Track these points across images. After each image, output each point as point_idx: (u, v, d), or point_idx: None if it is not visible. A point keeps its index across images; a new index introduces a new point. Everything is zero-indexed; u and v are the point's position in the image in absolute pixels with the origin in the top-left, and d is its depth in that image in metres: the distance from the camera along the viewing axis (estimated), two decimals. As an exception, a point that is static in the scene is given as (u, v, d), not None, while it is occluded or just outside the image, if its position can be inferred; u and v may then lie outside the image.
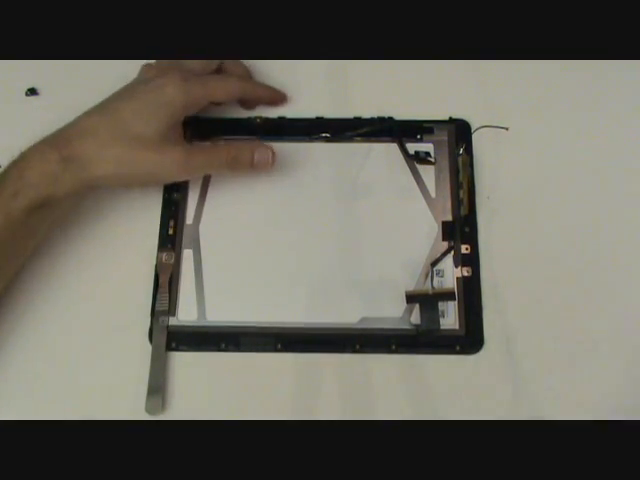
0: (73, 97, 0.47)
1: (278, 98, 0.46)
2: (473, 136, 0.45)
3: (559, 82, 0.47)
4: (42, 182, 0.36)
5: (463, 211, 0.43)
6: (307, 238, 0.43)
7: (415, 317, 0.41)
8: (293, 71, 0.47)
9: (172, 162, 0.39)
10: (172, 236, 0.43)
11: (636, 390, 0.39)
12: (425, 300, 0.40)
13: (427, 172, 0.44)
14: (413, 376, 0.40)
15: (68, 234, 0.44)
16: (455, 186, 0.43)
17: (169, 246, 0.43)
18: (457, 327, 0.41)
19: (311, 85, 0.47)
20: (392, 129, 0.45)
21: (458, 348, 0.40)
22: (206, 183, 0.44)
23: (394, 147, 0.45)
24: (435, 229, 0.43)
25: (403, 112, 0.46)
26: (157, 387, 0.39)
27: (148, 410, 0.39)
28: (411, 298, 0.40)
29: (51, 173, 0.37)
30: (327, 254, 0.42)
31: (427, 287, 0.41)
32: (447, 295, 0.40)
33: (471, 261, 0.42)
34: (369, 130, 0.44)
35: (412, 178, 0.44)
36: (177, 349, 0.41)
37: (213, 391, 0.40)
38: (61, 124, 0.46)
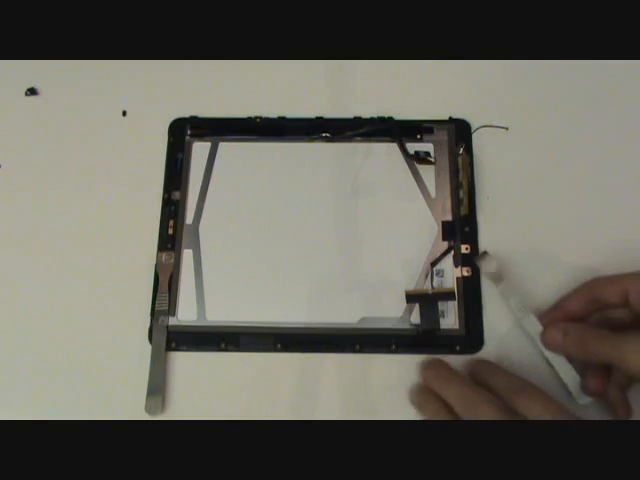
0: (73, 97, 0.47)
1: None
2: (473, 136, 0.45)
3: (559, 82, 0.47)
4: None
5: (463, 211, 0.43)
6: (307, 238, 0.43)
7: (415, 317, 0.41)
8: (293, 71, 0.47)
9: None
10: (172, 236, 0.43)
11: (636, 390, 0.39)
12: (425, 300, 0.40)
13: (427, 172, 0.44)
14: (413, 376, 0.40)
15: (68, 234, 0.44)
16: (455, 186, 0.43)
17: (169, 246, 0.43)
18: (457, 327, 0.41)
19: (311, 85, 0.47)
20: (392, 129, 0.45)
21: (458, 348, 0.40)
22: (206, 183, 0.44)
23: (394, 147, 0.45)
24: (435, 229, 0.43)
25: (403, 112, 0.46)
26: (157, 387, 0.40)
27: (148, 410, 0.39)
28: (411, 298, 0.40)
29: None
30: (327, 254, 0.42)
31: (427, 287, 0.41)
32: (447, 295, 0.40)
33: (471, 261, 0.42)
34: (369, 130, 0.44)
35: (412, 178, 0.44)
36: (177, 349, 0.41)
37: (213, 391, 0.40)
38: (61, 124, 0.46)
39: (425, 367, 0.39)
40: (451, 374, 0.37)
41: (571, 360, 0.38)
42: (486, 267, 0.41)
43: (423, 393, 0.38)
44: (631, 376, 0.34)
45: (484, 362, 0.39)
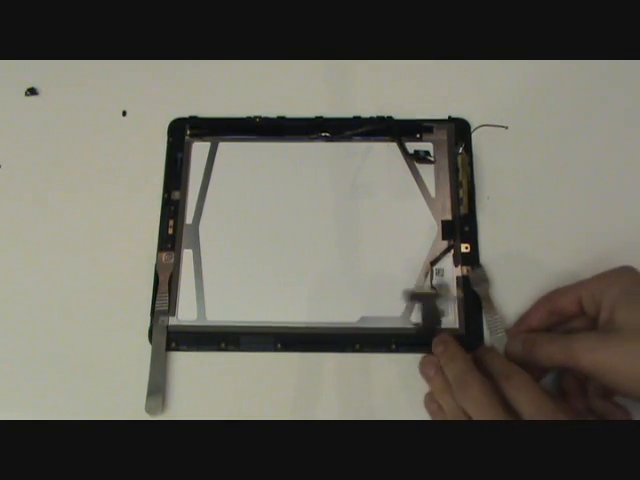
0: (73, 97, 0.47)
1: None
2: (472, 135, 0.45)
3: (559, 82, 0.47)
4: None
5: (463, 210, 0.43)
6: (307, 237, 0.43)
7: (415, 316, 0.41)
8: (293, 71, 0.47)
9: None
10: (172, 236, 0.43)
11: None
12: (425, 299, 0.40)
13: (427, 171, 0.44)
14: (413, 375, 0.40)
15: (68, 234, 0.44)
16: (455, 185, 0.43)
17: (169, 246, 0.43)
18: (457, 326, 0.41)
19: (311, 85, 0.47)
20: (391, 128, 0.45)
21: (458, 347, 0.40)
22: (206, 183, 0.44)
23: (394, 146, 0.45)
24: (435, 228, 0.43)
25: (402, 111, 0.46)
26: (157, 387, 0.40)
27: (148, 410, 0.39)
28: (411, 297, 0.40)
29: None
30: (327, 253, 0.42)
31: (427, 286, 0.41)
32: (446, 296, 0.40)
33: (471, 260, 0.42)
34: (369, 129, 0.44)
35: (412, 177, 0.44)
36: (177, 349, 0.41)
37: (213, 391, 0.40)
38: (61, 124, 0.47)
39: (437, 341, 0.39)
40: (456, 353, 0.37)
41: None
42: (477, 282, 0.41)
43: (433, 367, 0.38)
44: (586, 375, 0.34)
45: (487, 348, 0.39)
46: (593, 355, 0.33)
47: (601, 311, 0.35)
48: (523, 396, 0.33)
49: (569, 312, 0.37)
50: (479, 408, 0.34)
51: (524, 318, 0.40)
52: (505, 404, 0.33)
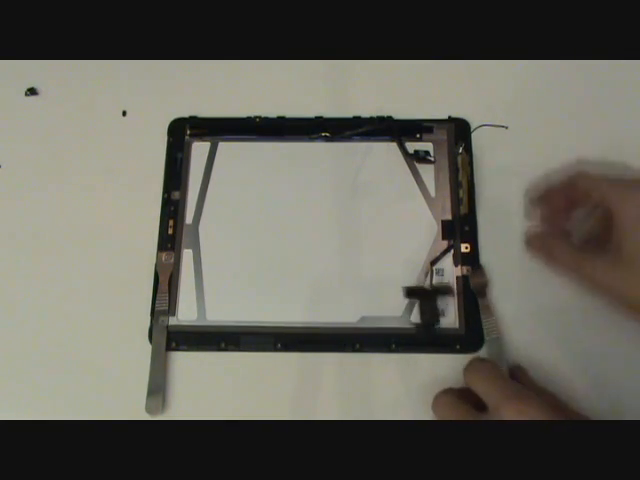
0: (73, 97, 0.47)
1: None
2: (472, 135, 0.45)
3: (559, 82, 0.47)
4: None
5: (463, 210, 0.43)
6: (307, 237, 0.43)
7: (415, 316, 0.41)
8: (293, 71, 0.47)
9: None
10: (172, 236, 0.43)
11: (634, 392, 0.39)
12: (423, 295, 0.40)
13: (427, 171, 0.44)
14: (413, 375, 0.40)
15: (68, 234, 0.44)
16: (454, 185, 0.43)
17: (169, 246, 0.43)
18: (457, 326, 0.41)
19: (311, 85, 0.47)
20: (391, 128, 0.45)
21: (458, 347, 0.40)
22: (206, 183, 0.44)
23: (394, 146, 0.45)
24: (435, 228, 0.43)
25: (402, 111, 0.46)
26: (157, 387, 0.40)
27: (148, 410, 0.39)
28: (409, 293, 0.40)
29: None
30: (327, 253, 0.42)
31: (427, 285, 0.41)
32: (445, 290, 0.40)
33: (471, 260, 0.42)
34: (369, 129, 0.44)
35: (412, 177, 0.44)
36: (177, 349, 0.41)
37: (213, 391, 0.40)
38: (61, 124, 0.47)
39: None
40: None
41: None
42: (475, 282, 0.41)
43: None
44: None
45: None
46: (603, 278, 0.36)
47: (614, 230, 0.37)
48: (485, 380, 0.35)
49: (581, 201, 0.40)
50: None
51: (546, 190, 0.42)
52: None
